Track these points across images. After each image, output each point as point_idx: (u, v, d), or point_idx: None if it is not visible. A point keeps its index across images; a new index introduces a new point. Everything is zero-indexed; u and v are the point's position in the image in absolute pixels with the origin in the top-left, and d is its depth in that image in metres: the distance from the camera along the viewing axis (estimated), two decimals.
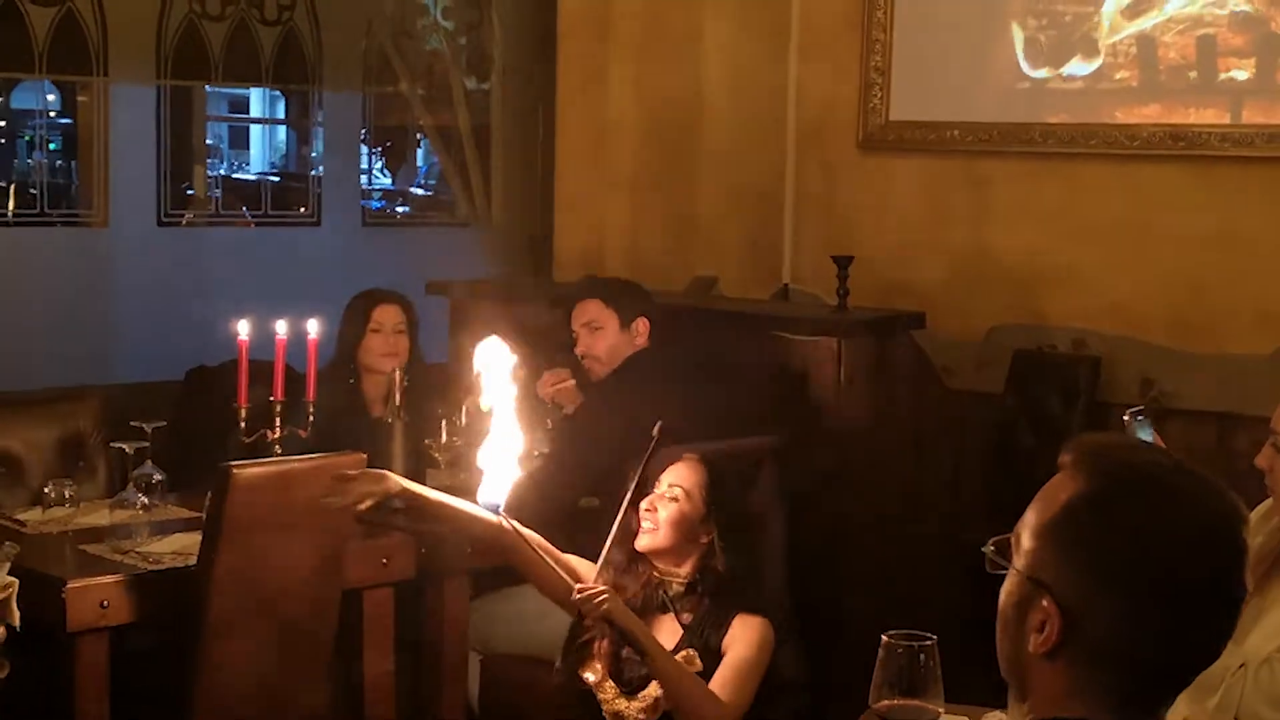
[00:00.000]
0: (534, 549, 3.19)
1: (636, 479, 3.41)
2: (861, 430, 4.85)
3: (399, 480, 3.21)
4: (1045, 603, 1.58)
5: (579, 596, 3.18)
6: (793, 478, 4.43)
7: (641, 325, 4.63)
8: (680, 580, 3.47)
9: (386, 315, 4.76)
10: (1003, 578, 1.68)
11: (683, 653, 3.39)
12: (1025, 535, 1.64)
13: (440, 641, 4.27)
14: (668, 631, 3.43)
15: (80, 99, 7.33)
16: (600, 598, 3.18)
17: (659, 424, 3.58)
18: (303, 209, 7.89)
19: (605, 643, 3.44)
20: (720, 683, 3.34)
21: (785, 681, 3.57)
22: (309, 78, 7.62)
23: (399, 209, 9.04)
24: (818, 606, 4.44)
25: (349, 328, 4.78)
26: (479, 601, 4.42)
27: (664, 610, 3.46)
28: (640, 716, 3.38)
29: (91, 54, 6.81)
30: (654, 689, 3.37)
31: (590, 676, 3.45)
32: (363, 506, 3.19)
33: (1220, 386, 5.29)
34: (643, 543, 3.48)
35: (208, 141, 8.63)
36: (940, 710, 2.37)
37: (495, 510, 3.08)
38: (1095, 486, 1.59)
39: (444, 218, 8.16)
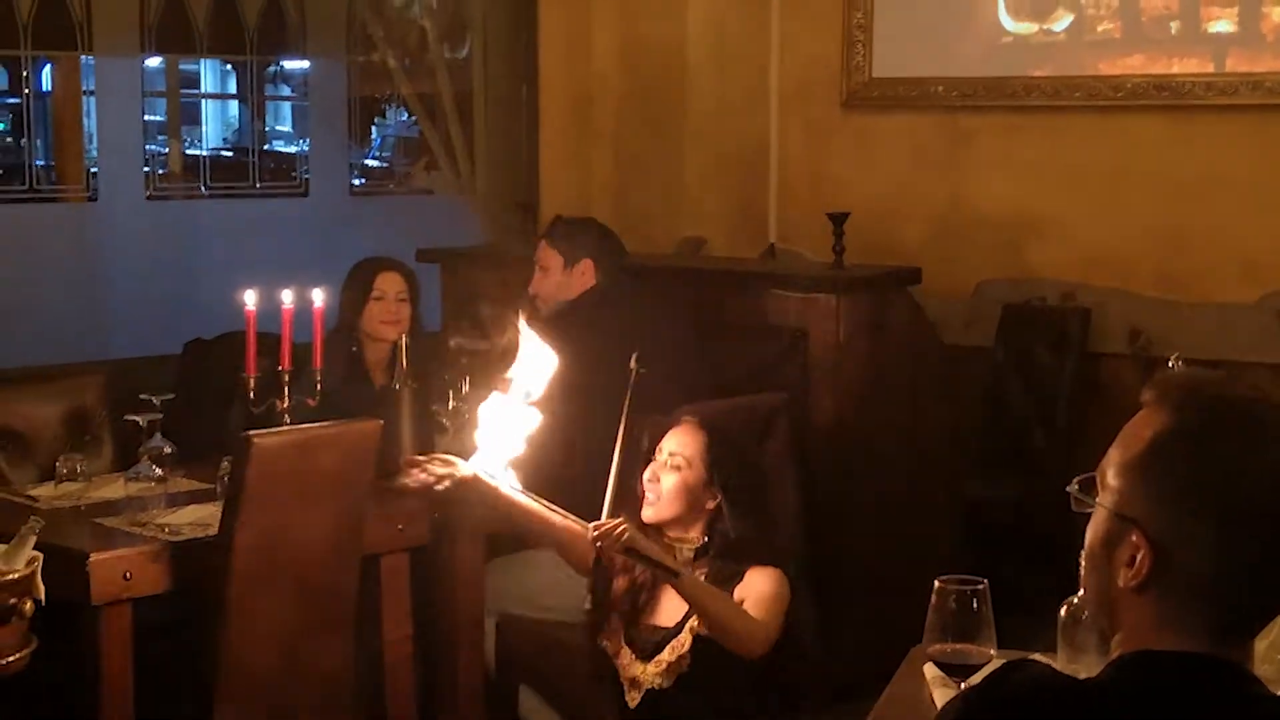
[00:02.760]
0: (544, 506, 3.21)
1: (625, 419, 3.37)
2: (861, 386, 4.88)
3: (469, 466, 3.15)
4: (1134, 538, 1.60)
5: (597, 533, 3.16)
6: (800, 434, 4.47)
7: (584, 267, 4.63)
8: (689, 545, 3.45)
9: (389, 283, 4.75)
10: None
11: (695, 617, 3.40)
12: (1110, 473, 1.65)
13: (456, 604, 4.29)
14: (678, 595, 3.43)
15: (55, 74, 7.32)
16: (619, 529, 3.16)
17: (635, 355, 3.56)
18: (259, 184, 7.88)
19: (617, 616, 3.46)
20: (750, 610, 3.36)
21: (800, 647, 3.55)
22: (292, 48, 7.62)
23: (354, 180, 9.02)
24: (821, 560, 4.47)
25: (351, 295, 4.77)
26: (493, 565, 4.44)
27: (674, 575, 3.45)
28: (657, 680, 3.39)
29: (75, 28, 6.77)
30: (669, 653, 3.38)
31: (607, 645, 3.47)
32: (440, 487, 3.15)
33: (1208, 334, 5.37)
34: (647, 514, 3.44)
35: (158, 118, 8.60)
36: (992, 653, 2.40)
37: (495, 474, 3.10)
38: (1182, 420, 1.61)
39: (417, 186, 8.16)
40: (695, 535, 3.45)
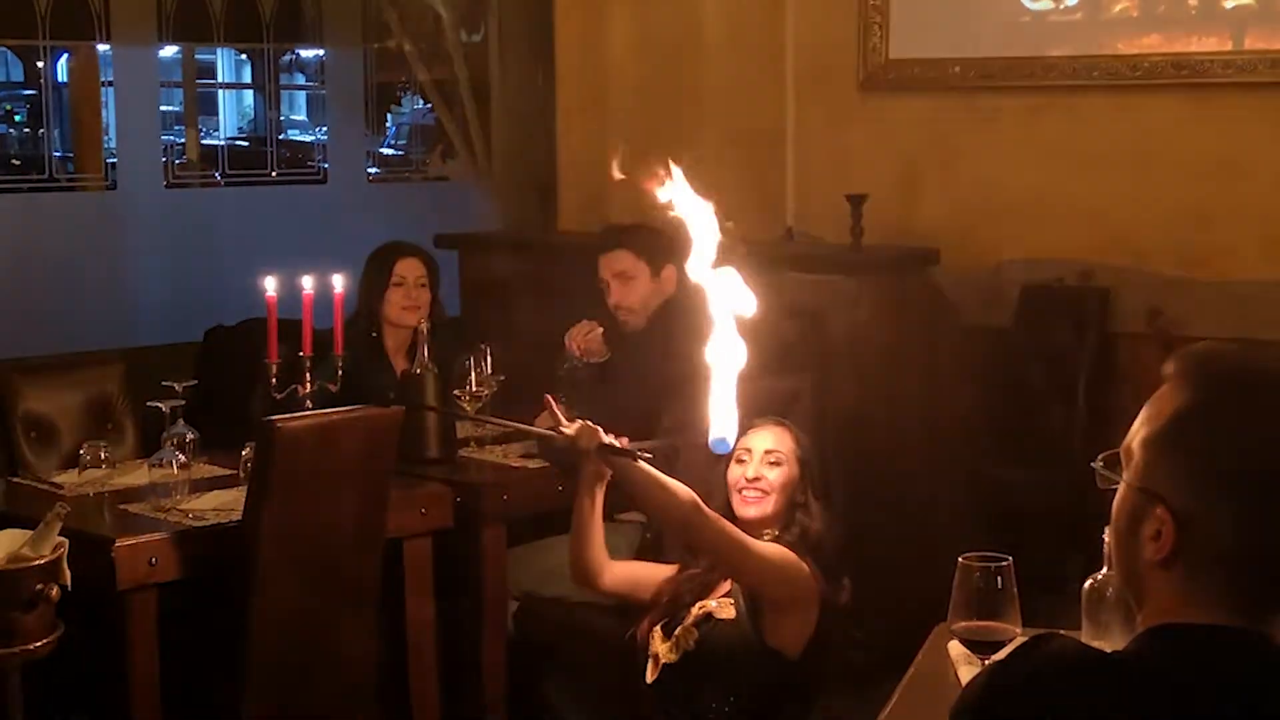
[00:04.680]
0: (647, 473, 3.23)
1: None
2: (880, 368, 4.88)
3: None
4: (1159, 512, 1.60)
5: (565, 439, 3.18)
6: (820, 416, 4.48)
7: (669, 273, 4.67)
8: (767, 535, 3.46)
9: (408, 268, 4.77)
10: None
11: (721, 599, 3.42)
12: (1134, 448, 1.65)
13: (479, 588, 4.31)
14: (725, 584, 3.46)
15: (73, 65, 7.36)
16: (584, 439, 3.17)
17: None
18: (276, 172, 7.91)
19: (667, 602, 3.50)
20: None
21: (827, 650, 3.55)
22: (309, 36, 7.65)
23: (370, 169, 9.04)
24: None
25: (371, 281, 4.79)
26: (515, 550, 4.46)
27: None
28: (671, 656, 3.42)
29: (93, 18, 6.79)
30: (680, 628, 3.41)
31: (642, 629, 3.52)
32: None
33: (1228, 313, 5.35)
34: (752, 512, 3.47)
35: (175, 108, 8.62)
36: (1018, 630, 2.41)
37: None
38: (1203, 393, 1.61)
39: (433, 173, 8.18)
40: (774, 528, 3.48)
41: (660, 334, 4.56)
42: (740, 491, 3.49)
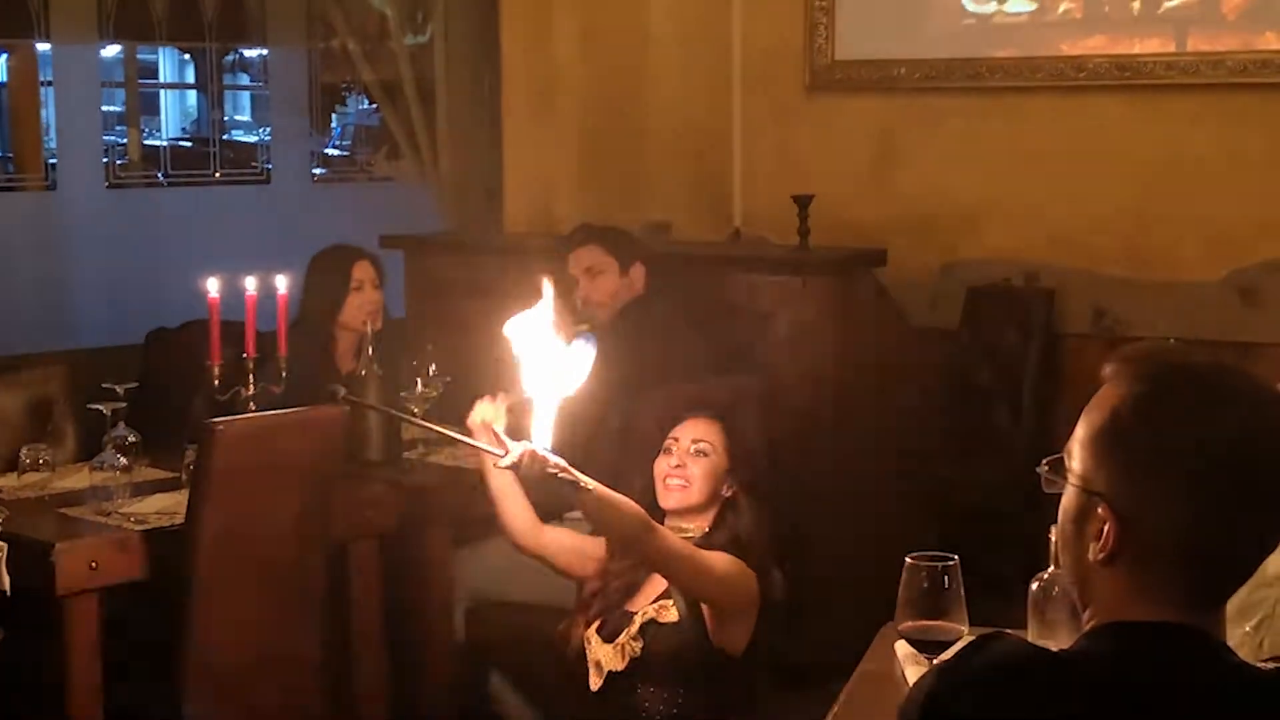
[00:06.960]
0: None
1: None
2: (827, 368, 4.89)
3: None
4: (1100, 510, 1.61)
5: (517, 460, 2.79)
6: (767, 416, 4.48)
7: (637, 271, 4.75)
8: (693, 534, 3.42)
9: (364, 271, 4.72)
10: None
11: (660, 603, 3.39)
12: (1075, 449, 1.67)
13: (425, 591, 4.29)
14: (656, 583, 3.42)
15: (12, 63, 7.28)
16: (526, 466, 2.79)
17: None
18: (219, 173, 7.86)
19: (596, 600, 3.46)
20: None
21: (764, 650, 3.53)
22: (252, 35, 7.60)
23: (315, 170, 9.00)
24: (788, 541, 4.47)
25: (327, 286, 4.70)
26: (462, 552, 4.44)
27: None
28: (614, 663, 3.39)
29: (32, 16, 6.72)
30: (624, 636, 3.38)
31: (579, 631, 3.47)
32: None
33: (1172, 313, 5.38)
34: (673, 500, 3.43)
35: (116, 108, 8.54)
36: (964, 630, 2.41)
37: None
38: (1138, 391, 1.62)
39: (378, 174, 8.15)
40: (702, 524, 3.45)
41: (627, 331, 4.57)
42: (664, 481, 3.45)
